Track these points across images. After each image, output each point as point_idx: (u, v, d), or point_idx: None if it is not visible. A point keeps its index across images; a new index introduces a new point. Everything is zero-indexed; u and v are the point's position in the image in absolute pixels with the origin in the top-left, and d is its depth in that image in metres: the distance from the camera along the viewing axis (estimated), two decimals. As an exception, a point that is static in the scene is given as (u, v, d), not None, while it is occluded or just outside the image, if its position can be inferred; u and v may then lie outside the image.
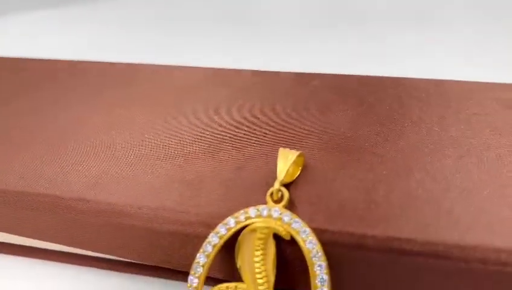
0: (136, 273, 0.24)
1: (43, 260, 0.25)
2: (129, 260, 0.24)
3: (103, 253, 0.23)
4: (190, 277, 0.20)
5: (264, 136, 0.25)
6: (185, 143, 0.25)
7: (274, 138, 0.24)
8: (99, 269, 0.25)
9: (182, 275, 0.23)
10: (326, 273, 0.18)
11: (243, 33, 0.51)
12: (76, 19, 0.57)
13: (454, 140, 0.23)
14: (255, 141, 0.24)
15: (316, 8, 0.57)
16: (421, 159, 0.22)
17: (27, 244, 0.25)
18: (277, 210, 0.20)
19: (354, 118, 0.25)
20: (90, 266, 0.25)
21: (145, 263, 0.23)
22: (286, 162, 0.21)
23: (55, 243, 0.23)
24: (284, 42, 0.48)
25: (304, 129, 0.25)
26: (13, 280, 0.24)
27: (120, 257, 0.23)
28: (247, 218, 0.20)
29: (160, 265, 0.22)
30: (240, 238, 0.20)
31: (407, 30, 0.48)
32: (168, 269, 0.23)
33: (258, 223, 0.19)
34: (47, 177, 0.23)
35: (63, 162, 0.24)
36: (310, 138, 0.24)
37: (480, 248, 0.18)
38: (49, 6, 0.58)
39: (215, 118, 0.26)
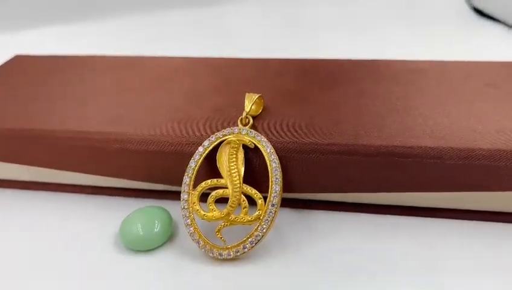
0: (137, 197, 0.32)
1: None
2: (131, 187, 0.32)
3: (116, 177, 0.31)
4: (184, 177, 0.28)
5: (237, 89, 0.34)
6: (175, 96, 0.33)
7: (243, 91, 0.32)
8: (118, 197, 0.33)
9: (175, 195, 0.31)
10: (278, 165, 0.27)
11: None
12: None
13: (372, 92, 0.33)
14: (231, 91, 0.34)
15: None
16: (344, 99, 0.32)
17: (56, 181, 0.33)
18: (245, 129, 0.28)
19: (299, 82, 0.35)
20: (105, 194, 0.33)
21: (149, 182, 0.31)
22: (250, 100, 0.30)
23: (81, 172, 0.31)
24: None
25: (265, 88, 0.34)
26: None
27: (131, 179, 0.31)
28: (224, 135, 0.28)
29: (161, 183, 0.30)
30: (219, 148, 0.28)
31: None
32: (165, 192, 0.32)
33: (231, 137, 0.28)
34: (76, 119, 0.32)
35: (87, 110, 0.33)
36: (270, 91, 0.33)
37: (384, 146, 0.27)
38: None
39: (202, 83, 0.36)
